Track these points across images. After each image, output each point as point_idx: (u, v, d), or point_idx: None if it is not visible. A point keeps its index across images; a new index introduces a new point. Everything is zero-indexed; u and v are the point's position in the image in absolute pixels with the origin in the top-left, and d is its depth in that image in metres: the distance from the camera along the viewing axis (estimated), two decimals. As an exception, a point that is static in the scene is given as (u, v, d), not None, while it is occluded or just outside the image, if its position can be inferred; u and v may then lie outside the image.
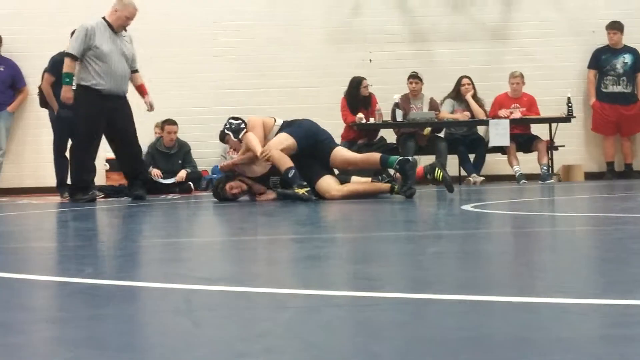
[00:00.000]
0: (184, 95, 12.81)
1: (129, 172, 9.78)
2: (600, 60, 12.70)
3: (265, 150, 8.30)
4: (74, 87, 9.38)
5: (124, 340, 2.01)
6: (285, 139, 8.31)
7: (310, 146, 8.40)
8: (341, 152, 8.55)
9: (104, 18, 9.52)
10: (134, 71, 9.73)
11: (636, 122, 12.73)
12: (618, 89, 12.63)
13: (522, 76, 12.27)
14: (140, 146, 9.88)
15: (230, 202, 8.54)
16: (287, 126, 8.64)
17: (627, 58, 12.67)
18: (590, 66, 12.79)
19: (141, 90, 9.86)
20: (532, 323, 2.05)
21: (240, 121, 8.98)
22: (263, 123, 8.75)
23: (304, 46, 12.87)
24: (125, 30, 9.65)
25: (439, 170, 8.18)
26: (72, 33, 10.05)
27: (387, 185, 8.27)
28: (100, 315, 2.39)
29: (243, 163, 8.72)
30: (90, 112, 9.26)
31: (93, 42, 9.30)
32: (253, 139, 8.56)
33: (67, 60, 9.32)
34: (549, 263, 3.32)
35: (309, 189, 8.00)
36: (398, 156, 8.35)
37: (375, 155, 8.43)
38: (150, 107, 9.89)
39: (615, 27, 12.63)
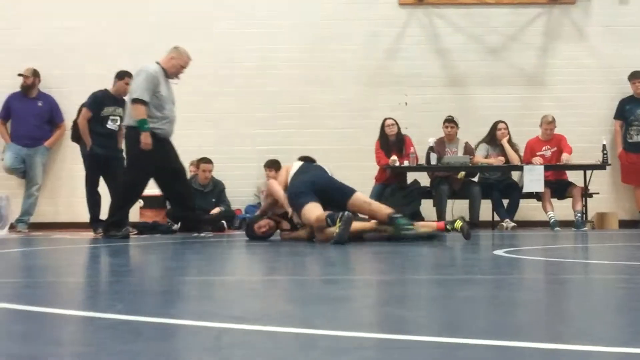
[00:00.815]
0: (220, 135, 12.89)
1: (184, 208, 9.98)
2: (625, 111, 12.66)
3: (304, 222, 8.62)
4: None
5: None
6: (314, 207, 8.40)
7: (323, 195, 8.57)
8: (358, 200, 8.55)
9: (157, 63, 9.67)
10: None
11: None
12: None
13: (554, 121, 12.22)
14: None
15: (262, 241, 8.58)
16: (301, 173, 8.82)
17: None
18: (616, 117, 12.75)
19: None
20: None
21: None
22: (287, 169, 9.06)
23: (341, 88, 12.93)
24: (178, 78, 9.79)
25: (459, 222, 8.16)
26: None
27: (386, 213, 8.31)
28: (129, 351, 2.41)
29: (269, 207, 9.02)
30: (145, 154, 9.33)
31: (157, 87, 9.45)
32: (274, 186, 8.93)
33: (138, 107, 9.34)
34: (579, 310, 3.30)
35: (340, 214, 8.02)
36: (405, 221, 8.24)
37: (386, 211, 8.36)
38: None
39: (637, 76, 12.60)
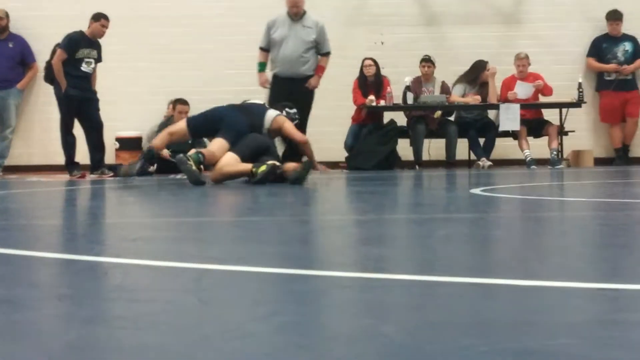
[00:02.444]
0: (196, 75, 12.79)
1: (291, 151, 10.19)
2: (601, 49, 12.69)
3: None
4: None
5: (132, 317, 2.03)
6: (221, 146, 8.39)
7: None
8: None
9: None
10: (323, 54, 10.75)
11: (638, 105, 12.71)
12: (620, 76, 12.62)
13: (527, 57, 12.22)
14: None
15: (240, 183, 8.55)
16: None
17: (628, 46, 12.69)
18: (589, 54, 12.76)
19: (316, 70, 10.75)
20: (538, 306, 2.06)
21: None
22: None
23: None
24: (296, 16, 10.59)
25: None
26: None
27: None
28: (108, 292, 2.41)
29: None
30: (273, 93, 10.44)
31: (271, 33, 10.64)
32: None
33: (259, 51, 10.80)
34: (556, 247, 3.33)
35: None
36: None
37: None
38: (310, 85, 10.65)
39: (617, 17, 12.63)
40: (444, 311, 2.04)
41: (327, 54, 10.78)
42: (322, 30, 10.68)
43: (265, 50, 10.78)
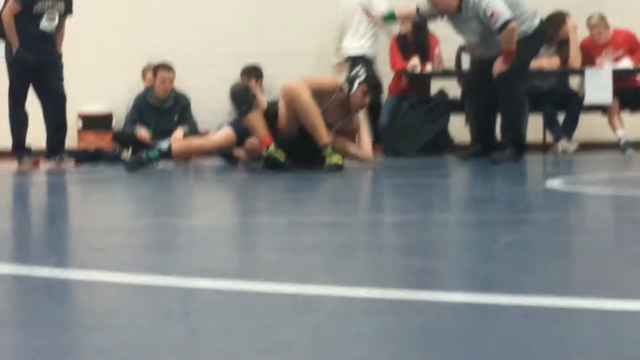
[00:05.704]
0: (180, 34, 12.80)
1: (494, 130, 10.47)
2: None
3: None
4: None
5: (100, 349, 2.03)
6: None
7: None
8: None
9: None
10: (498, 30, 9.69)
11: None
12: None
13: (601, 19, 12.06)
14: None
15: (244, 174, 8.55)
16: None
17: None
18: None
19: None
20: (633, 334, 2.05)
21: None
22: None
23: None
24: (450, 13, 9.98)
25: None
26: None
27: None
28: (69, 317, 2.41)
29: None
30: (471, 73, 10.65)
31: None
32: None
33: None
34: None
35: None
36: None
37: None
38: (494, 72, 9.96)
39: None
40: (507, 342, 2.03)
41: (502, 27, 9.60)
42: (476, 7, 9.67)
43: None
